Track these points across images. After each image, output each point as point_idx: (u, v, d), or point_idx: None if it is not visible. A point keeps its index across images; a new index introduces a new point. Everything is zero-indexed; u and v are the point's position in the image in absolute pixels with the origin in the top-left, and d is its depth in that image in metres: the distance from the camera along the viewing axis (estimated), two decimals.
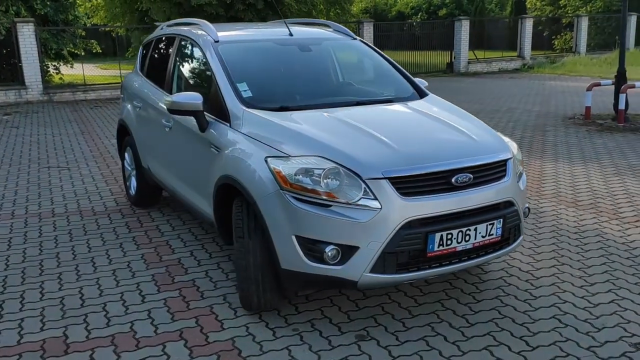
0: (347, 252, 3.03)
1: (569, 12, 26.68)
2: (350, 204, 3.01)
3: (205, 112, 3.84)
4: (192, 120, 3.93)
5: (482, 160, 3.28)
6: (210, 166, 3.79)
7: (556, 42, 25.77)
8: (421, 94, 4.30)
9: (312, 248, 3.07)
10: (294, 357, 3.07)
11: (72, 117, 12.12)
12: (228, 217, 3.71)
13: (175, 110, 3.84)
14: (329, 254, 3.03)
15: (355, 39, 4.85)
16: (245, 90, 3.83)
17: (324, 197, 3.04)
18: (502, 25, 26.90)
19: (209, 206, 3.94)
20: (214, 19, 23.75)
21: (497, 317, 3.44)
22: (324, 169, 3.06)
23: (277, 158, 3.22)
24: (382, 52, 4.78)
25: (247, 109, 3.65)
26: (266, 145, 3.35)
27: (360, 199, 3.00)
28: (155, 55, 5.32)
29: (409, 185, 3.06)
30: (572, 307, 3.53)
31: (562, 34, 25.64)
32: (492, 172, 3.32)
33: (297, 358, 3.06)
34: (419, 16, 32.84)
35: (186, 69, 4.67)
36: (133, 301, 3.75)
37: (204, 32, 4.40)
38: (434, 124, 3.70)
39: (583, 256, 4.31)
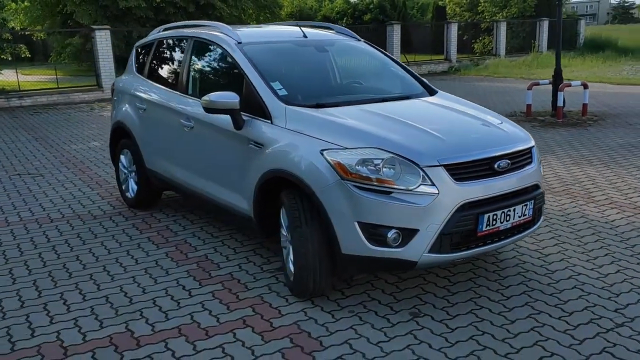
0: (407, 235, 3.29)
1: (486, 17, 28.19)
2: (410, 190, 3.27)
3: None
4: (222, 118, 4.06)
5: (516, 148, 3.64)
6: (250, 162, 3.93)
7: (475, 46, 27.14)
8: (431, 91, 4.63)
9: (375, 233, 3.30)
10: (362, 335, 3.29)
11: (17, 124, 11.66)
12: (269, 209, 3.89)
13: (212, 109, 3.95)
14: (391, 237, 3.28)
15: (360, 40, 5.13)
16: (280, 89, 4.00)
17: (385, 185, 3.28)
18: (425, 30, 28.03)
19: (244, 200, 4.08)
20: (143, 22, 23.43)
21: (527, 290, 3.81)
22: (383, 159, 3.31)
23: (333, 151, 3.42)
24: (386, 52, 5.08)
25: (289, 107, 3.83)
26: (317, 139, 3.54)
27: (419, 185, 3.27)
28: (161, 57, 5.35)
29: (461, 172, 3.36)
30: (587, 278, 3.96)
31: (480, 38, 27.05)
32: (523, 158, 3.69)
33: (366, 335, 3.28)
34: (344, 21, 33.56)
35: (206, 69, 4.76)
36: (181, 295, 3.83)
37: (223, 34, 4.52)
38: (461, 116, 4.03)
39: (577, 235, 4.78)
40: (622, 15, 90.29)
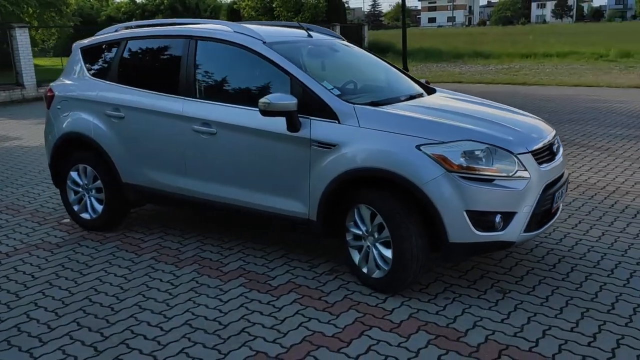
0: (507, 218, 3.57)
1: (282, 21, 29.34)
2: (510, 176, 3.56)
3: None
4: (270, 121, 3.88)
5: (553, 132, 4.15)
6: (315, 163, 3.82)
7: None
8: (428, 88, 4.93)
9: (481, 219, 3.52)
10: (482, 317, 3.47)
11: None
12: (335, 210, 3.86)
13: (270, 111, 3.77)
14: (497, 222, 3.53)
15: (344, 40, 5.21)
16: (332, 89, 3.96)
17: (488, 173, 3.52)
18: None
19: (299, 204, 3.96)
20: None
21: (561, 258, 4.33)
22: (482, 150, 3.54)
23: (431, 145, 3.54)
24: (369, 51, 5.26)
25: (357, 106, 3.82)
26: (406, 135, 3.60)
27: (516, 171, 3.57)
28: (140, 59, 4.78)
29: (540, 156, 3.74)
30: (590, 242, 4.61)
31: None
32: (558, 142, 4.21)
33: (485, 316, 3.48)
34: (133, 21, 32.05)
35: (224, 71, 4.41)
36: (268, 310, 3.61)
37: (242, 34, 4.26)
38: (495, 110, 4.38)
39: None
40: (374, 22, 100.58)
